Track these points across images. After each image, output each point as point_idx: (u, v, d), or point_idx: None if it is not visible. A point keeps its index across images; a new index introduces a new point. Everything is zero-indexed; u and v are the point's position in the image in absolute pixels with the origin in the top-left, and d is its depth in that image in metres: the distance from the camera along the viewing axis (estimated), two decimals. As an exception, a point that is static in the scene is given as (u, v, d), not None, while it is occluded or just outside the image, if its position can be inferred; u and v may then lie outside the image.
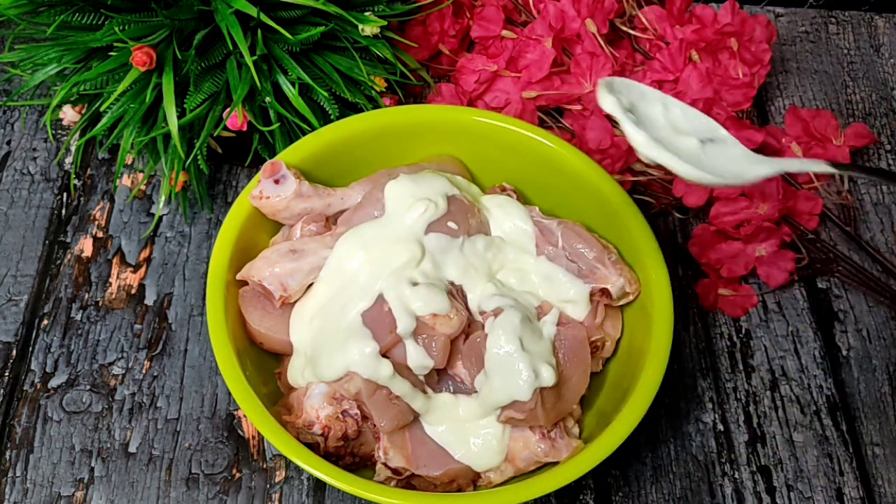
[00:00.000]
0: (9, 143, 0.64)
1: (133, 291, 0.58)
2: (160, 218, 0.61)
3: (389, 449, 0.47)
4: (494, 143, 0.55)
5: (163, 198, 0.58)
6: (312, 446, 0.47)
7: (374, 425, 0.47)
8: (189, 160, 0.55)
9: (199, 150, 0.55)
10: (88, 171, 0.63)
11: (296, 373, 0.49)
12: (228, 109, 0.54)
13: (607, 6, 0.64)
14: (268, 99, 0.55)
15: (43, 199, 0.62)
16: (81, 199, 0.62)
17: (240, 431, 0.53)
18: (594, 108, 0.62)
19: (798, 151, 0.62)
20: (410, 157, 0.56)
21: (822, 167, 0.41)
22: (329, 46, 0.57)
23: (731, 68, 0.63)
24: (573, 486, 0.52)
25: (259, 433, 0.52)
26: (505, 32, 0.65)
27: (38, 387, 0.54)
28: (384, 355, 0.47)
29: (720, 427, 0.55)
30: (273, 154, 0.57)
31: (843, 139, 0.62)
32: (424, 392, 0.48)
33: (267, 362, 0.50)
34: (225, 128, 0.55)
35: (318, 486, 0.52)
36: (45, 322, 0.57)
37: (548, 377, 0.46)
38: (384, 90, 0.59)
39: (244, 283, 0.50)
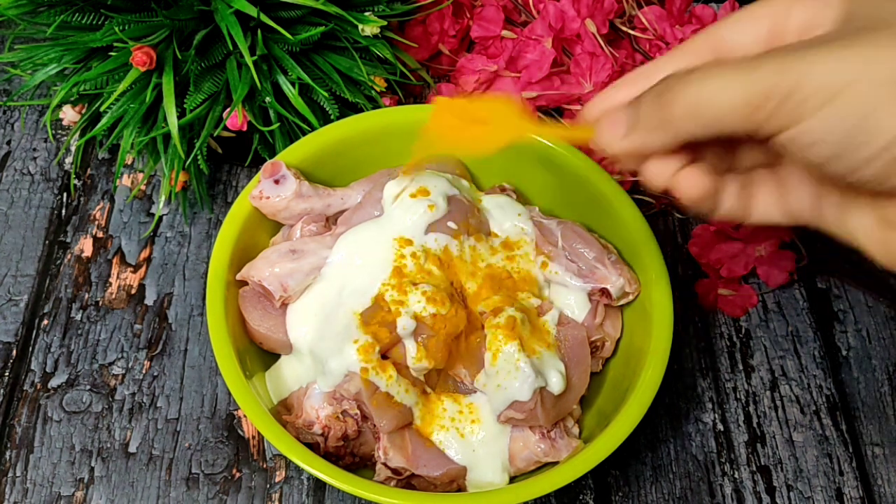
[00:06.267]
0: (9, 143, 0.64)
1: (133, 291, 0.58)
2: (160, 218, 0.61)
3: (389, 449, 0.47)
4: (494, 143, 0.55)
5: (163, 198, 0.58)
6: (312, 446, 0.47)
7: (374, 425, 0.47)
8: (189, 160, 0.55)
9: (199, 150, 0.55)
10: (88, 171, 0.63)
11: (294, 373, 0.50)
12: (228, 109, 0.54)
13: (607, 6, 0.64)
14: (268, 99, 0.55)
15: (43, 199, 0.62)
16: (81, 199, 0.62)
17: (240, 431, 0.53)
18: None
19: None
20: (410, 157, 0.55)
21: None
22: (329, 46, 0.57)
23: (730, 68, 0.63)
24: (573, 486, 0.52)
25: (259, 433, 0.52)
26: (505, 32, 0.65)
27: (38, 387, 0.54)
28: (384, 355, 0.47)
29: (720, 427, 0.55)
30: (273, 154, 0.57)
31: (843, 139, 0.62)
32: (424, 392, 0.48)
33: (267, 362, 0.50)
34: (225, 128, 0.55)
35: (318, 486, 0.52)
36: (45, 322, 0.57)
37: (556, 383, 0.46)
38: (384, 90, 0.59)
39: (244, 283, 0.50)
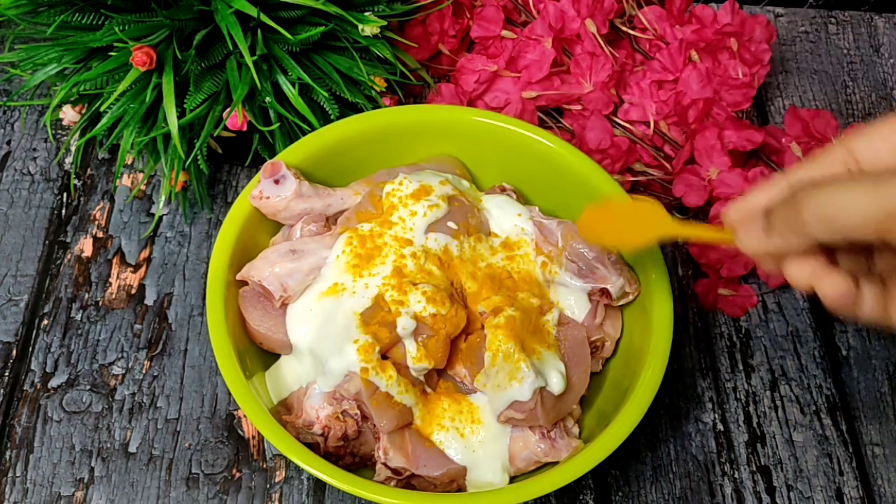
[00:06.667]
0: (9, 143, 0.64)
1: (133, 291, 0.58)
2: (160, 218, 0.61)
3: (389, 449, 0.47)
4: (494, 143, 0.55)
5: (163, 198, 0.58)
6: (312, 446, 0.47)
7: (374, 425, 0.47)
8: (189, 160, 0.55)
9: (199, 150, 0.55)
10: (88, 171, 0.63)
11: (294, 373, 0.50)
12: (228, 109, 0.54)
13: (607, 6, 0.64)
14: (268, 99, 0.55)
15: (43, 199, 0.62)
16: (81, 199, 0.62)
17: (240, 431, 0.53)
18: (594, 108, 0.62)
19: (797, 151, 0.62)
20: (410, 157, 0.56)
21: None
22: (329, 46, 0.57)
23: (730, 68, 0.63)
24: (573, 486, 0.52)
25: (259, 433, 0.52)
26: (505, 32, 0.65)
27: (38, 387, 0.54)
28: (384, 355, 0.47)
29: (720, 427, 0.55)
30: (273, 154, 0.57)
31: (843, 139, 0.62)
32: (424, 392, 0.48)
33: (267, 362, 0.50)
34: (225, 128, 0.55)
35: (318, 486, 0.52)
36: (45, 322, 0.57)
37: (556, 383, 0.46)
38: (384, 90, 0.59)
39: (244, 283, 0.50)
